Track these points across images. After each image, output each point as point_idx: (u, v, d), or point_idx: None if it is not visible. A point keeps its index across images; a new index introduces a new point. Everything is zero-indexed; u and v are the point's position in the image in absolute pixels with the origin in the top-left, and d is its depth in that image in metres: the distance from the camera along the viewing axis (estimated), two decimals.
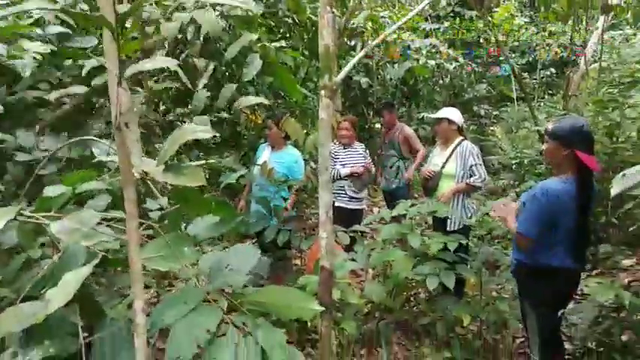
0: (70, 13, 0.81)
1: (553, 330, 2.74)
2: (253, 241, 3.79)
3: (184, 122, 3.41)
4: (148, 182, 1.16)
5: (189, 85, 3.84)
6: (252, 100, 3.24)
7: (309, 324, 3.29)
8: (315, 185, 3.57)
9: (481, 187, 3.77)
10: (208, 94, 3.87)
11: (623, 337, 3.07)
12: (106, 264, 1.29)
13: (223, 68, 4.13)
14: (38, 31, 2.85)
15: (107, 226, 1.40)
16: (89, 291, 1.24)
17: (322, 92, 2.38)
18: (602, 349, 3.11)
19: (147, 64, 0.83)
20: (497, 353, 3.35)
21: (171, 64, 0.86)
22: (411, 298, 3.77)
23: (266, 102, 3.44)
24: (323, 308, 1.20)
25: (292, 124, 3.61)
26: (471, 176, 3.77)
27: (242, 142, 5.33)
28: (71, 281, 0.94)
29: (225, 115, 3.81)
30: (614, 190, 2.92)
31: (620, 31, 10.27)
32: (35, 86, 2.71)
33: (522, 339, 3.51)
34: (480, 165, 3.75)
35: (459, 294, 3.61)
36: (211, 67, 3.89)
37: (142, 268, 1.03)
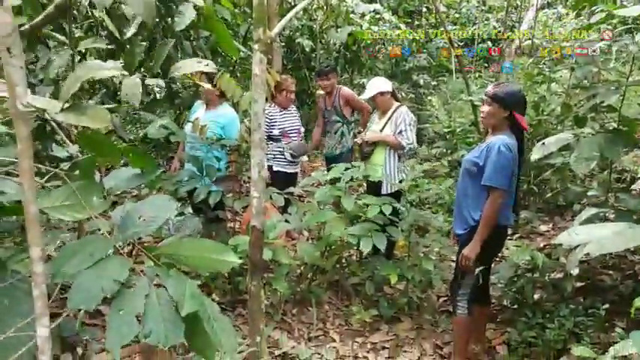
0: None
1: (484, 287, 2.92)
2: (186, 202, 3.69)
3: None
4: (52, 124, 1.07)
5: (117, 35, 3.59)
6: (193, 66, 3.07)
7: (242, 286, 3.29)
8: (249, 146, 3.50)
9: (406, 148, 3.79)
10: (142, 46, 3.64)
11: (535, 296, 3.32)
12: (2, 212, 1.19)
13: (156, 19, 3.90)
14: None
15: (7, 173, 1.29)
16: None
17: (256, 46, 2.30)
18: (515, 306, 3.35)
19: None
20: (422, 311, 3.53)
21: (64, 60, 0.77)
22: (343, 260, 3.86)
23: (208, 69, 3.29)
24: (240, 260, 1.18)
25: (227, 80, 3.48)
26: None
27: (177, 100, 5.12)
28: None
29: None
30: (534, 156, 3.12)
31: (555, 10, 10.72)
32: None
33: (445, 298, 3.71)
34: (411, 130, 3.80)
35: (388, 255, 3.73)
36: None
37: (39, 214, 0.96)
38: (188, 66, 3.41)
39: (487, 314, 3.13)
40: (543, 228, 4.75)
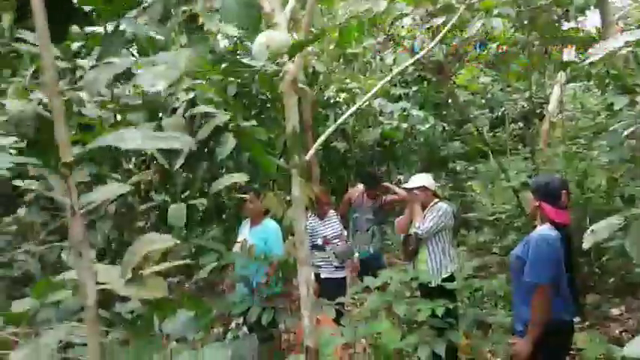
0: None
1: None
2: (239, 322, 3.69)
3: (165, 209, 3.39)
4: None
5: (167, 166, 3.89)
6: (230, 179, 3.28)
7: None
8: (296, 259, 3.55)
9: (420, 234, 3.79)
10: (184, 175, 3.91)
11: None
12: None
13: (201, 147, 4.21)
14: None
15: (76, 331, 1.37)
16: None
17: (293, 171, 2.44)
18: None
19: (98, 195, 0.86)
20: None
21: (123, 190, 0.88)
22: None
23: (243, 179, 3.48)
24: None
25: (272, 199, 3.65)
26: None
27: (225, 214, 5.33)
28: None
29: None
30: (586, 245, 2.99)
31: (581, 83, 10.81)
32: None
33: None
34: (431, 219, 3.78)
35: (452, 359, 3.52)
36: (186, 148, 3.96)
37: None
38: (227, 181, 3.63)
39: None
40: (615, 312, 4.41)
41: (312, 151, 2.56)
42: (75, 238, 0.78)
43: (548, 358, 2.64)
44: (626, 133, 3.16)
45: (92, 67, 0.87)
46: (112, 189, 0.86)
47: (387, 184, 5.12)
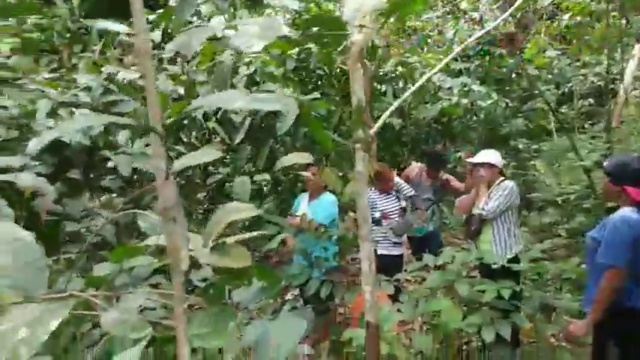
0: (120, 124, 0.84)
1: None
2: (295, 293, 3.75)
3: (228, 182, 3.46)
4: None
5: (228, 140, 3.95)
6: (293, 158, 3.26)
7: None
8: (355, 235, 3.53)
9: (478, 212, 3.66)
10: (248, 149, 3.95)
11: None
12: (154, 343, 1.28)
13: (258, 122, 4.23)
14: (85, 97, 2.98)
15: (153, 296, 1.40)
16: None
17: (357, 145, 2.40)
18: None
19: (193, 159, 0.85)
20: None
21: (216, 155, 0.87)
22: (463, 348, 3.59)
23: (307, 160, 3.46)
24: None
25: (329, 174, 3.62)
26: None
27: (280, 188, 5.39)
28: None
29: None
30: None
31: None
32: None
33: None
34: (497, 198, 3.62)
35: (514, 342, 3.42)
36: (247, 122, 4.00)
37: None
38: (290, 159, 3.63)
39: None
40: None
41: (377, 126, 2.50)
42: (168, 203, 0.77)
43: (623, 347, 2.49)
44: None
45: (182, 31, 0.85)
46: (203, 155, 0.85)
47: (447, 176, 4.98)
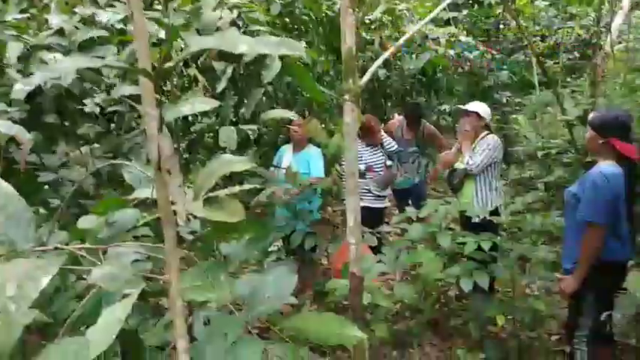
0: (113, 66, 0.78)
1: (603, 325, 2.70)
2: (278, 244, 3.77)
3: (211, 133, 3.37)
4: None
5: (209, 89, 3.82)
6: (280, 112, 3.20)
7: None
8: (340, 188, 3.53)
9: (464, 167, 3.72)
10: (234, 99, 3.82)
11: None
12: (145, 296, 1.27)
13: (242, 70, 4.09)
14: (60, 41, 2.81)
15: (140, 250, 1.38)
16: (127, 323, 1.22)
17: (346, 96, 2.33)
18: None
19: (185, 108, 0.80)
20: (532, 353, 3.29)
21: (212, 104, 0.82)
22: (441, 297, 3.72)
23: (292, 116, 3.39)
24: (365, 335, 1.16)
25: (315, 126, 3.57)
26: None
27: (262, 140, 5.31)
28: (112, 322, 0.92)
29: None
30: None
31: None
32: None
33: (558, 336, 3.44)
34: (481, 153, 3.65)
35: (489, 290, 3.54)
36: (230, 69, 3.85)
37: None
38: (274, 114, 3.55)
39: (611, 354, 2.87)
40: None
41: (366, 76, 2.43)
42: (163, 154, 0.73)
43: (598, 299, 2.60)
44: None
45: None
46: (199, 104, 0.80)
47: (428, 126, 4.98)
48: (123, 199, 1.35)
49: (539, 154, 5.25)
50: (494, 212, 3.62)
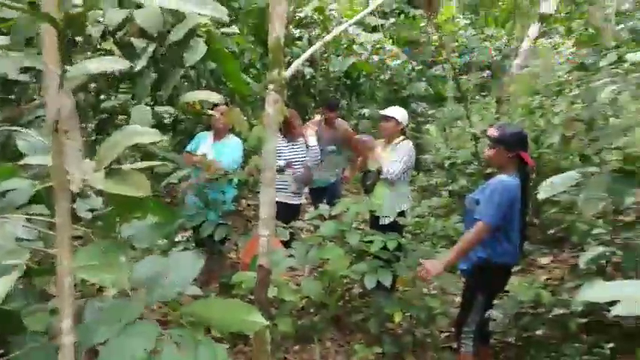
0: (13, 6, 0.71)
1: (485, 323, 2.92)
2: (188, 234, 3.66)
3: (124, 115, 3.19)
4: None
5: (126, 66, 3.62)
6: (204, 94, 3.09)
7: None
8: (256, 180, 3.50)
9: (383, 175, 3.83)
10: (152, 78, 3.65)
11: (539, 332, 3.30)
12: (31, 274, 1.17)
13: (163, 51, 3.92)
14: None
15: (29, 225, 1.28)
16: (9, 306, 1.12)
17: (270, 86, 2.31)
18: (520, 343, 3.32)
19: (92, 66, 0.75)
20: (425, 348, 3.49)
21: (122, 65, 0.77)
22: (346, 294, 3.83)
23: (215, 100, 3.30)
24: (267, 322, 1.17)
25: (237, 115, 3.50)
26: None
27: (179, 127, 5.12)
28: None
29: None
30: (541, 196, 3.13)
31: (550, 39, 10.91)
32: None
33: (448, 334, 3.68)
34: (398, 162, 3.81)
35: (391, 289, 3.70)
36: (151, 48, 3.68)
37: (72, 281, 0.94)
38: (198, 96, 3.44)
39: (489, 352, 3.13)
40: (544, 261, 4.75)
41: (291, 69, 2.43)
42: (62, 114, 0.68)
43: (487, 299, 2.82)
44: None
45: None
46: (109, 62, 0.75)
47: (341, 122, 5.11)
48: (13, 166, 1.24)
49: (446, 163, 5.61)
50: (401, 214, 3.79)
